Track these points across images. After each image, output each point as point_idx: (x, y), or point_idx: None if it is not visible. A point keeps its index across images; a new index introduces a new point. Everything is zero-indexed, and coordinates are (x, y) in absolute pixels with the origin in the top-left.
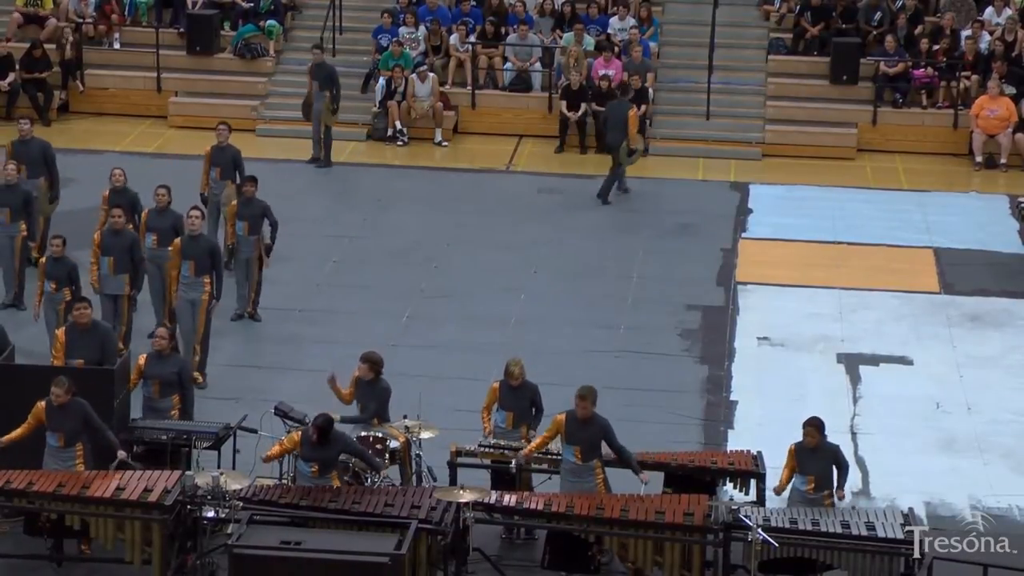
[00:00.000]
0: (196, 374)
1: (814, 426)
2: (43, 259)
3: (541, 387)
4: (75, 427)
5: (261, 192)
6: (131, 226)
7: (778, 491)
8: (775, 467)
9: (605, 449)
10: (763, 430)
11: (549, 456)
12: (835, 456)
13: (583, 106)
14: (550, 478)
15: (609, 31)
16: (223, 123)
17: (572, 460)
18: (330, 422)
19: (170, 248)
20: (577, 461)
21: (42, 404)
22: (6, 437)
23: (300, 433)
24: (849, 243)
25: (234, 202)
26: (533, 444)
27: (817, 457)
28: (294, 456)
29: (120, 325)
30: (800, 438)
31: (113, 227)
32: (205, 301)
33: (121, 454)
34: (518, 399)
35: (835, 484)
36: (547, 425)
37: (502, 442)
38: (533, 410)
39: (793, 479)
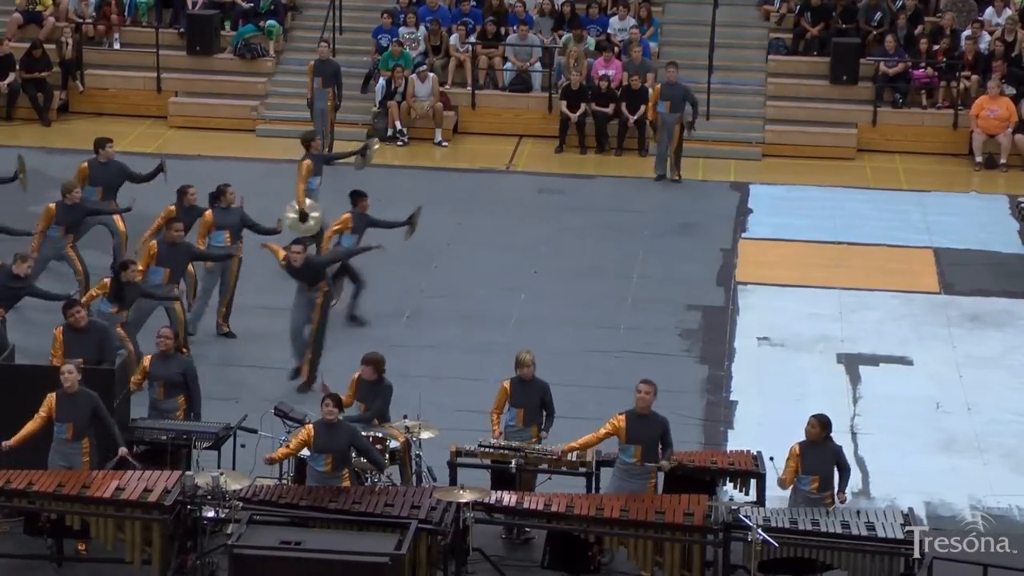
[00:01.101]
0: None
1: (817, 418)
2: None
3: None
4: (84, 419)
5: (259, 191)
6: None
7: (782, 484)
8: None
9: None
10: (763, 430)
11: (548, 456)
12: (837, 457)
13: (583, 106)
14: (550, 478)
15: (609, 31)
16: (311, 135)
17: (631, 461)
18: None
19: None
20: (636, 462)
21: (53, 395)
22: (19, 434)
23: (313, 425)
24: (849, 243)
25: (347, 214)
26: (578, 441)
27: (820, 453)
28: (295, 457)
29: (179, 329)
30: (800, 439)
31: (170, 239)
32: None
33: (123, 450)
34: (529, 394)
35: (836, 487)
36: (564, 422)
37: (502, 442)
38: (543, 412)
39: (796, 479)
